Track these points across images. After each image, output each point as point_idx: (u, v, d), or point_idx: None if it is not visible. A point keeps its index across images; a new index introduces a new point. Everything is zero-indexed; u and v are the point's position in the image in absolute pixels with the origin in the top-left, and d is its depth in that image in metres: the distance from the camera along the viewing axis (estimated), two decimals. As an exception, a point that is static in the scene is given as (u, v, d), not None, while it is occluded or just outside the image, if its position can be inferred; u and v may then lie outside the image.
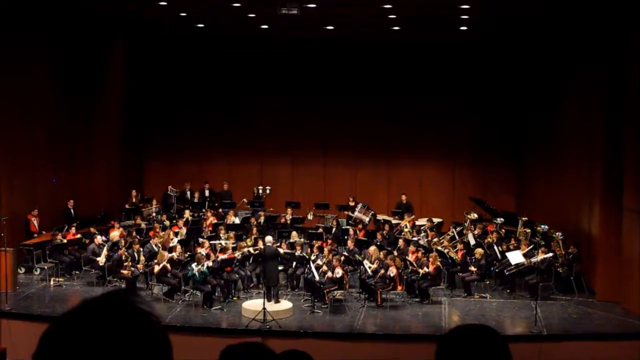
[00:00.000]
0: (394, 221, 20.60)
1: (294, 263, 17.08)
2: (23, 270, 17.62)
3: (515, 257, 16.67)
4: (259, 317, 14.24)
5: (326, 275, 15.64)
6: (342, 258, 16.38)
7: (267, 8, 17.94)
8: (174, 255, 16.33)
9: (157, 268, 15.94)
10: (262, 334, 13.88)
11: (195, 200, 22.60)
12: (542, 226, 18.47)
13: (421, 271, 16.15)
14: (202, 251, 16.16)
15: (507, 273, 16.78)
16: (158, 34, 23.30)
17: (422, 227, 19.72)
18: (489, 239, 18.42)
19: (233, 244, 17.25)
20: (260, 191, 22.11)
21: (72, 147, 20.44)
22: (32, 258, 17.57)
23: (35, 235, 18.23)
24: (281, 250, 16.92)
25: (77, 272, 17.69)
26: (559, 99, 19.83)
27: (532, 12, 18.61)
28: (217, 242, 17.55)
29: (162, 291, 16.14)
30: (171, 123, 24.59)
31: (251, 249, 17.09)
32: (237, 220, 20.28)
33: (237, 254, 16.64)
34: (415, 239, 18.49)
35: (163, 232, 18.39)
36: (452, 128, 23.82)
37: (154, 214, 20.96)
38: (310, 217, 21.20)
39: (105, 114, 22.30)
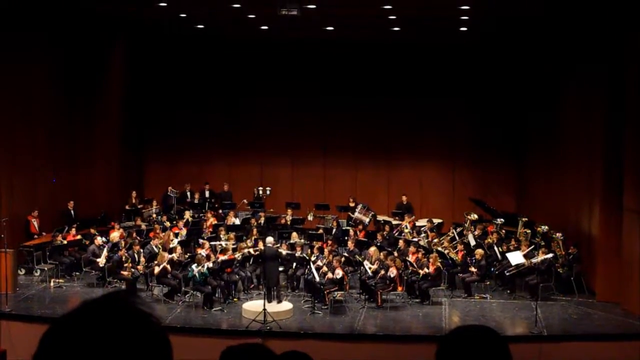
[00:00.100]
0: (394, 222, 20.60)
1: (294, 264, 17.08)
2: (23, 271, 17.61)
3: (516, 257, 16.66)
4: (259, 318, 14.24)
5: (326, 276, 15.64)
6: (343, 259, 16.38)
7: (267, 9, 17.94)
8: (174, 256, 16.33)
9: (157, 269, 15.94)
10: (263, 335, 13.88)
11: (196, 201, 22.60)
12: (543, 227, 18.46)
13: (421, 272, 16.15)
14: (203, 252, 16.16)
15: (507, 274, 16.78)
16: (158, 34, 23.30)
17: (423, 228, 19.72)
18: (489, 240, 18.43)
19: (233, 245, 17.26)
20: (261, 192, 22.11)
21: (72, 147, 20.44)
22: (32, 259, 17.56)
23: (36, 236, 18.23)
24: (283, 252, 16.91)
25: (77, 273, 17.69)
26: (559, 99, 19.83)
27: (532, 12, 18.62)
28: (218, 243, 17.55)
29: (162, 292, 16.13)
30: (171, 124, 24.60)
31: (251, 250, 17.09)
32: (237, 221, 20.28)
33: (238, 255, 16.64)
34: (415, 239, 18.48)
35: (163, 233, 18.40)
36: (452, 129, 23.83)
37: (154, 215, 20.96)
38: (310, 218, 21.20)
39: (105, 114, 22.31)
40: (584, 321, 15.18)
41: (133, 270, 16.46)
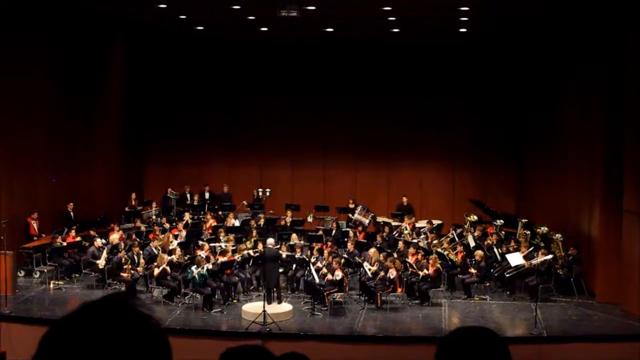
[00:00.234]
0: (393, 223, 20.60)
1: (294, 265, 17.07)
2: (23, 273, 17.60)
3: (515, 259, 16.66)
4: (258, 319, 14.23)
5: (326, 278, 15.63)
6: (342, 260, 16.38)
7: (267, 10, 17.95)
8: (174, 257, 16.33)
9: (156, 271, 15.93)
10: (262, 336, 13.87)
11: (195, 202, 22.59)
12: (542, 228, 18.46)
13: (421, 273, 16.15)
14: (202, 254, 16.14)
15: (507, 275, 16.78)
16: (158, 34, 23.29)
17: (422, 229, 19.72)
18: (488, 241, 18.42)
19: (233, 246, 17.25)
20: (260, 193, 22.11)
21: (72, 147, 20.44)
22: (31, 261, 17.55)
23: (35, 238, 18.22)
24: (283, 254, 16.89)
25: (76, 275, 17.67)
26: (559, 99, 19.82)
27: (532, 12, 18.62)
28: (217, 244, 17.54)
29: (162, 294, 16.12)
30: (171, 125, 24.61)
31: (251, 252, 17.09)
32: (236, 223, 20.27)
33: (237, 257, 16.64)
34: (415, 241, 18.48)
35: (163, 235, 18.39)
36: (452, 129, 23.83)
37: (153, 217, 20.96)
38: (310, 219, 21.21)
39: (105, 114, 22.32)
40: (584, 322, 15.18)
41: (132, 272, 16.45)
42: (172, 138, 24.62)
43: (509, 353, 1.88)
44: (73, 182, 20.39)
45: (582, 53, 17.81)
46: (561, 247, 17.31)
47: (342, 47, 23.42)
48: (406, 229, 19.69)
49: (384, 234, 19.09)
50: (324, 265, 15.96)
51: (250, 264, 17.08)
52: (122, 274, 16.37)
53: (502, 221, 19.73)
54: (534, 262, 16.53)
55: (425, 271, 16.11)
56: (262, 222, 20.13)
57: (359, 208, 21.04)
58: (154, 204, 21.86)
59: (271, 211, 21.88)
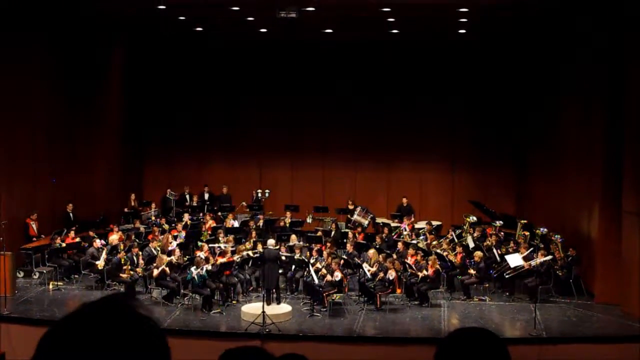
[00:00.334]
0: (393, 224, 20.60)
1: (293, 266, 17.07)
2: (22, 274, 17.60)
3: (514, 260, 16.66)
4: (258, 320, 14.23)
5: (325, 279, 15.63)
6: (341, 261, 16.38)
7: (266, 12, 17.95)
8: (173, 258, 16.32)
9: (156, 272, 15.93)
10: (261, 337, 13.86)
11: (194, 203, 22.58)
12: (541, 229, 18.46)
13: (420, 274, 16.15)
14: (201, 255, 16.15)
15: (506, 276, 16.78)
16: (158, 35, 23.27)
17: (421, 230, 19.72)
18: (488, 242, 18.42)
19: (232, 247, 17.25)
20: (260, 194, 22.10)
21: (71, 148, 20.43)
22: (31, 262, 17.54)
23: (34, 239, 18.22)
24: (283, 256, 16.88)
25: (76, 275, 17.67)
26: (559, 99, 19.81)
27: (532, 11, 18.63)
28: (216, 245, 17.54)
29: (161, 295, 16.12)
30: (170, 125, 24.61)
31: (250, 253, 17.08)
32: (236, 224, 20.27)
33: (236, 258, 16.64)
34: (414, 242, 18.48)
35: (162, 236, 18.38)
36: (451, 130, 23.84)
37: (153, 218, 20.95)
38: (309, 220, 21.20)
39: (105, 114, 22.32)
40: (583, 323, 15.18)
41: (132, 272, 16.44)
42: (172, 139, 24.61)
43: (508, 354, 1.88)
44: (72, 183, 20.37)
45: (582, 53, 17.82)
46: (560, 248, 17.31)
47: (341, 47, 23.39)
48: (405, 230, 19.69)
49: (384, 235, 19.09)
50: (323, 266, 15.96)
51: (250, 265, 17.08)
52: (121, 274, 16.36)
53: (501, 222, 19.73)
54: (533, 263, 16.53)
55: (425, 272, 16.12)
56: (261, 223, 20.13)
57: (358, 209, 21.04)
58: (153, 205, 21.86)
59: (270, 212, 21.87)
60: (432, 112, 23.80)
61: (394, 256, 16.96)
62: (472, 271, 16.80)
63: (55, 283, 17.16)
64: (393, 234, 19.57)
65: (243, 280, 16.67)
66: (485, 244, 18.36)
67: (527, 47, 21.91)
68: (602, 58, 16.56)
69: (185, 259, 16.64)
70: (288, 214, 20.85)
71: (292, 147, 24.37)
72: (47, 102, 19.40)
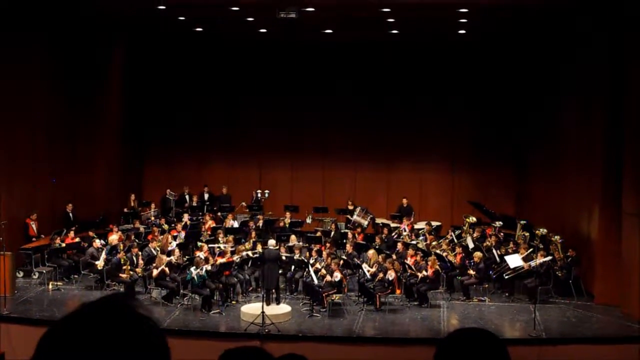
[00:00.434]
0: (392, 225, 20.60)
1: (293, 267, 17.06)
2: (21, 274, 17.60)
3: (514, 260, 16.66)
4: (257, 320, 14.22)
5: (325, 279, 15.63)
6: (341, 262, 16.37)
7: (266, 12, 17.96)
8: (173, 259, 16.32)
9: (155, 272, 15.93)
10: (261, 337, 13.86)
11: (194, 204, 22.58)
12: (541, 230, 18.46)
13: (420, 275, 16.15)
14: (201, 255, 16.15)
15: (505, 276, 16.77)
16: (158, 35, 23.28)
17: (421, 231, 19.72)
18: (487, 243, 18.42)
19: (232, 247, 17.25)
20: (259, 195, 22.09)
21: (71, 148, 20.43)
22: (30, 262, 17.53)
23: (34, 239, 18.21)
24: (283, 257, 16.87)
25: (75, 276, 17.66)
26: (559, 99, 19.81)
27: (532, 11, 18.63)
28: (216, 245, 17.54)
29: (160, 295, 16.12)
30: (170, 125, 24.60)
31: (250, 253, 17.08)
32: (235, 224, 20.27)
33: (236, 258, 16.64)
34: (414, 242, 18.48)
35: (162, 236, 18.39)
36: (451, 130, 23.82)
37: (152, 218, 20.95)
38: (309, 220, 21.20)
39: (105, 114, 22.31)
40: (583, 324, 15.17)
41: (131, 273, 16.44)
42: (172, 139, 24.61)
43: (508, 355, 1.88)
44: (72, 183, 20.37)
45: (582, 53, 17.82)
46: (560, 248, 17.31)
47: (341, 46, 23.38)
48: (405, 231, 19.69)
49: (383, 235, 19.09)
50: (322, 267, 15.96)
51: (249, 265, 17.08)
52: (120, 274, 16.36)
53: (501, 223, 19.74)
54: (532, 263, 16.53)
55: (424, 272, 16.12)
56: (260, 223, 20.13)
57: (358, 209, 21.04)
58: (152, 205, 21.86)
59: (270, 212, 21.87)
60: (432, 112, 23.80)
61: (394, 257, 16.96)
62: (471, 272, 16.80)
63: (55, 283, 17.16)
64: (393, 235, 19.57)
65: (242, 281, 16.68)
66: (484, 244, 18.36)
67: (527, 48, 21.90)
68: (602, 58, 16.55)
69: (185, 259, 16.64)
70: (288, 214, 20.85)
71: (292, 147, 24.36)
72: (47, 102, 19.39)
